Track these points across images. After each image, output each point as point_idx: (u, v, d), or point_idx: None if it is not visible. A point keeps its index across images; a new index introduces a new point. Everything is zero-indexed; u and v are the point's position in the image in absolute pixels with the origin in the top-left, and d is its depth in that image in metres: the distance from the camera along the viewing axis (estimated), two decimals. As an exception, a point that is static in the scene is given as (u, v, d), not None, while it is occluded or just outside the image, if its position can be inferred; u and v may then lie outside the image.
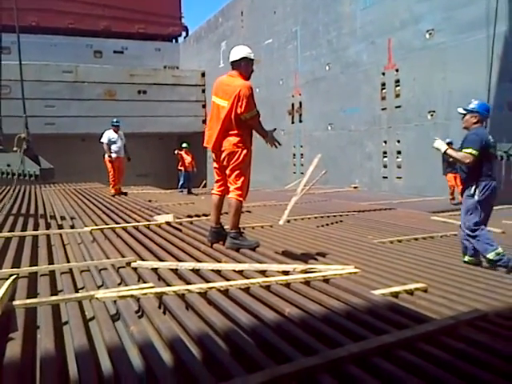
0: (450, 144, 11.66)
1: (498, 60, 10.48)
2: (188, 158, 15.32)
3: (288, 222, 7.16)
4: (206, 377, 1.96)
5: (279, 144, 4.57)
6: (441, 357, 2.19)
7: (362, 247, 5.36)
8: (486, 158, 4.72)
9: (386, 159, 13.93)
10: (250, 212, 8.15)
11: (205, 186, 18.79)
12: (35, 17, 22.42)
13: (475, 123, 4.82)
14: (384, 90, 13.88)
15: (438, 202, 11.28)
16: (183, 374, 2.08)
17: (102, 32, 24.17)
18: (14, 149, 7.27)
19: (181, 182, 15.22)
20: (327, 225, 7.44)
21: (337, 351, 2.16)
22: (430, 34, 12.13)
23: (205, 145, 4.57)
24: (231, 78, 4.41)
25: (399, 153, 13.46)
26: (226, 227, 4.70)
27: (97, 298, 2.85)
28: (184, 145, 15.57)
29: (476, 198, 4.71)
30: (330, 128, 16.19)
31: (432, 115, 12.30)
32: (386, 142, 13.85)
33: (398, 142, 13.45)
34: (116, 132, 10.91)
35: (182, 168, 15.23)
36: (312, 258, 4.63)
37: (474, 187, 4.71)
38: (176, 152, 15.56)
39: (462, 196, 4.99)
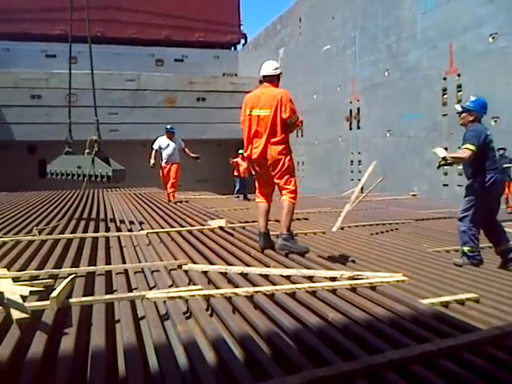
0: (503, 150, 11.33)
1: None
2: (244, 165, 15.50)
3: (341, 229, 7.14)
4: (245, 376, 2.04)
5: None
6: (483, 367, 2.16)
7: (415, 256, 5.28)
8: (488, 152, 4.78)
9: (446, 166, 13.51)
10: (306, 219, 8.19)
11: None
12: (100, 27, 23.48)
13: (471, 121, 4.85)
14: (445, 96, 13.51)
15: (500, 212, 10.82)
16: (224, 373, 2.16)
17: (164, 41, 24.95)
18: (87, 151, 7.21)
19: (237, 188, 15.40)
20: (381, 232, 7.34)
21: (376, 357, 2.18)
22: (494, 37, 11.71)
23: (253, 158, 4.69)
24: (267, 89, 4.60)
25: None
26: (271, 233, 4.80)
27: (147, 298, 2.99)
28: (240, 151, 15.76)
29: (480, 190, 4.75)
30: (388, 134, 15.92)
31: (496, 121, 11.85)
32: (446, 148, 13.43)
33: (460, 148, 13.02)
34: (170, 139, 10.77)
35: (237, 174, 15.38)
36: (361, 265, 4.62)
37: (478, 180, 4.75)
38: (231, 161, 15.74)
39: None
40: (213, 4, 25.53)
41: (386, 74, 15.86)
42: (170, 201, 10.38)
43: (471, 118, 4.83)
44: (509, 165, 11.42)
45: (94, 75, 18.63)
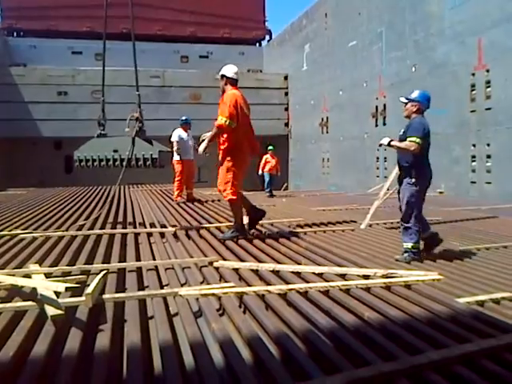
0: None
1: None
2: (273, 161, 15.33)
3: (370, 226, 7.07)
4: (284, 376, 2.02)
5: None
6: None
7: (447, 254, 5.20)
8: (427, 147, 4.78)
9: (474, 163, 13.27)
10: (331, 215, 8.13)
11: (286, 188, 18.89)
12: (126, 24, 23.65)
13: (415, 112, 4.84)
14: (473, 92, 13.23)
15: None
16: (262, 372, 2.15)
17: (189, 37, 24.96)
18: (126, 129, 6.23)
19: (266, 184, 15.20)
20: (410, 230, 7.25)
21: (417, 358, 2.15)
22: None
23: (256, 153, 5.38)
24: (238, 92, 5.36)
25: (489, 157, 12.77)
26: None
27: (180, 295, 2.99)
28: (270, 147, 15.56)
29: (418, 186, 4.70)
30: (415, 131, 15.70)
31: (527, 117, 11.58)
32: (474, 145, 13.20)
33: (488, 145, 12.79)
34: (186, 131, 9.82)
35: (262, 170, 15.20)
36: (394, 263, 4.57)
37: (415, 174, 4.69)
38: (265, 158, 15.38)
39: (399, 184, 4.88)
40: (238, 0, 25.48)
41: (413, 69, 15.61)
42: (193, 201, 9.33)
43: (415, 109, 4.84)
44: None
45: (121, 72, 18.84)
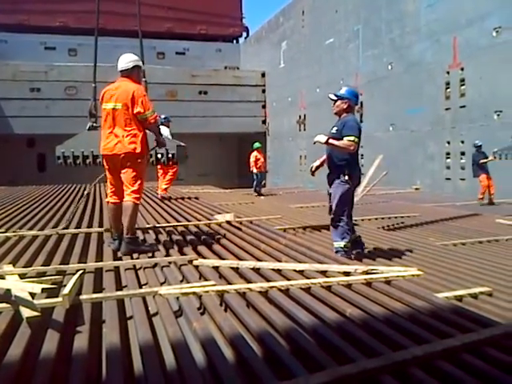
0: (479, 147, 11.63)
1: None
2: (261, 159, 15.10)
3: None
4: (268, 375, 1.99)
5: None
6: (508, 362, 2.12)
7: (425, 249, 5.26)
8: (359, 144, 4.73)
9: (449, 160, 13.49)
10: (309, 212, 8.15)
11: (264, 185, 18.86)
12: (101, 19, 23.23)
13: (346, 109, 4.76)
14: (448, 90, 13.44)
15: (503, 205, 10.85)
16: (245, 371, 2.12)
17: (165, 34, 24.75)
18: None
19: (256, 183, 14.91)
20: (388, 226, 7.33)
21: (400, 354, 2.14)
22: (497, 31, 11.63)
23: (104, 154, 4.48)
24: (122, 83, 4.41)
25: (463, 154, 13.01)
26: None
27: (160, 295, 2.93)
28: (257, 144, 15.20)
29: (350, 185, 4.68)
30: (391, 128, 15.86)
31: (498, 115, 11.80)
32: (449, 142, 13.42)
33: (462, 142, 13.00)
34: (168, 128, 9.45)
35: (256, 169, 14.85)
36: (373, 259, 4.61)
37: (347, 173, 4.64)
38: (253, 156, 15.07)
39: (330, 183, 4.81)
40: (215, -3, 25.38)
41: (390, 67, 15.77)
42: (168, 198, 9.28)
43: (345, 106, 4.75)
44: (485, 160, 11.65)
45: (96, 68, 18.32)
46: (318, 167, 5.01)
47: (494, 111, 11.93)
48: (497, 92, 11.80)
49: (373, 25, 16.51)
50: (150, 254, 4.22)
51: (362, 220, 7.70)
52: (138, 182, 4.41)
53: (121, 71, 4.46)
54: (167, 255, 4.18)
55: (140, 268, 3.82)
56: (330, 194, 4.86)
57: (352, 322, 2.60)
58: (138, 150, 4.35)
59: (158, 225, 5.59)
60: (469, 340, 2.29)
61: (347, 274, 3.48)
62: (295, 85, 20.78)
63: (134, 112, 4.30)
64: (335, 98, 4.82)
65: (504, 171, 11.29)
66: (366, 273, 3.45)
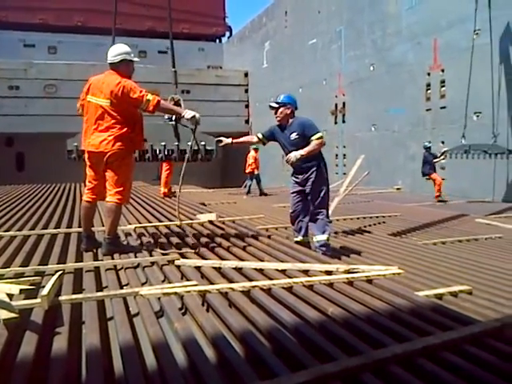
0: (429, 148, 12.13)
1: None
2: (259, 159, 14.70)
3: (331, 222, 7.13)
4: (250, 375, 1.99)
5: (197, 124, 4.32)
6: (487, 359, 2.15)
7: (406, 248, 5.31)
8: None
9: (443, 161, 13.65)
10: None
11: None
12: (81, 17, 23.05)
13: (289, 115, 4.86)
14: (429, 91, 13.61)
15: (482, 204, 11.01)
16: (227, 371, 2.11)
17: (147, 32, 24.58)
18: (166, 117, 5.11)
19: (249, 184, 14.47)
20: (370, 226, 7.37)
21: (381, 352, 2.15)
22: (477, 33, 11.79)
23: (88, 150, 4.26)
24: (109, 77, 4.18)
25: (443, 154, 13.18)
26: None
27: (141, 295, 2.91)
28: (253, 146, 14.18)
29: (325, 178, 4.87)
30: (373, 129, 16.00)
31: (478, 116, 11.98)
32: (430, 143, 13.58)
33: (443, 143, 13.17)
34: None
35: (253, 170, 14.40)
36: (355, 258, 4.63)
37: (322, 169, 4.84)
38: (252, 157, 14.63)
39: (302, 183, 4.90)
40: (198, -5, 25.28)
41: (372, 68, 15.91)
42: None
43: (288, 112, 4.85)
44: (437, 159, 12.29)
45: (77, 66, 18.19)
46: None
47: (474, 112, 12.09)
48: (476, 93, 11.96)
49: (355, 26, 16.63)
50: (132, 255, 4.18)
51: (344, 219, 7.75)
52: (123, 182, 4.22)
53: (109, 63, 4.25)
54: (149, 255, 4.14)
55: (121, 268, 3.78)
56: (293, 193, 4.99)
57: (334, 321, 2.61)
58: (125, 149, 4.15)
59: (139, 225, 5.54)
60: (448, 338, 2.31)
61: (329, 273, 3.49)
62: (278, 85, 20.81)
63: (136, 106, 4.09)
64: (277, 106, 4.87)
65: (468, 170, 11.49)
66: (348, 272, 3.47)
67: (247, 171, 14.55)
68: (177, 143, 5.01)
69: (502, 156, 10.88)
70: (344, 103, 17.28)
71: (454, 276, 4.20)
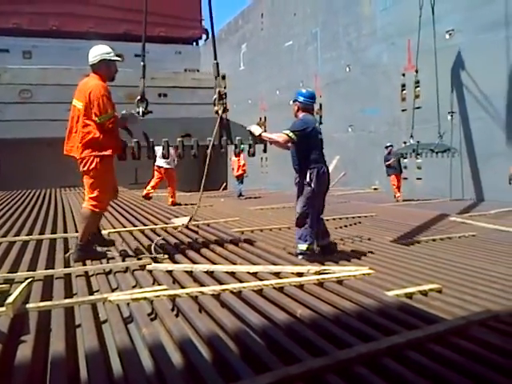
0: (391, 146, 12.39)
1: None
2: (242, 162, 14.21)
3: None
4: (214, 378, 1.99)
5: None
6: (451, 358, 2.18)
7: (379, 249, 5.35)
8: (314, 144, 4.71)
9: (406, 160, 13.81)
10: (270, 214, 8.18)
11: (225, 188, 18.84)
12: (56, 21, 22.72)
13: (298, 111, 4.81)
14: (404, 91, 13.78)
15: (457, 203, 11.18)
16: (192, 375, 2.10)
17: (123, 36, 24.37)
18: (216, 108, 4.74)
19: (241, 187, 13.97)
20: (345, 226, 7.42)
21: (346, 352, 2.17)
22: (450, 34, 11.99)
23: (65, 154, 4.22)
24: (88, 79, 4.16)
25: (419, 154, 13.35)
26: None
27: (110, 301, 2.89)
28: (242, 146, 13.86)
29: (312, 185, 4.63)
30: (350, 129, 16.13)
31: (452, 116, 12.17)
32: (405, 143, 13.75)
33: (418, 142, 13.33)
34: None
35: (238, 173, 14.04)
36: (327, 259, 4.64)
37: (308, 175, 4.63)
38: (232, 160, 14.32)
39: (296, 185, 4.84)
40: (173, -2, 25.15)
41: (347, 69, 16.05)
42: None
43: (296, 108, 4.82)
44: (388, 162, 12.59)
45: (51, 70, 17.84)
46: None
47: (448, 112, 12.29)
48: (449, 93, 12.17)
49: (330, 28, 16.77)
50: (104, 260, 4.14)
51: (321, 220, 7.78)
52: (97, 189, 4.12)
53: (90, 66, 4.18)
54: (121, 261, 4.11)
55: (92, 275, 3.75)
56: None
57: (302, 323, 2.62)
58: (94, 155, 4.05)
59: (113, 230, 5.49)
60: (413, 337, 2.34)
61: (300, 274, 3.51)
62: (256, 87, 20.88)
63: (92, 115, 3.98)
64: (291, 103, 4.89)
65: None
66: (318, 273, 3.49)
67: (238, 173, 14.12)
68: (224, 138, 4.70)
69: (448, 154, 11.31)
70: (321, 104, 17.38)
71: (425, 275, 4.24)
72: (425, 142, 12.69)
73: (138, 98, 4.70)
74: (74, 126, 4.13)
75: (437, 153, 11.43)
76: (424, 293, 3.63)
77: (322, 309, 2.81)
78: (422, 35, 12.83)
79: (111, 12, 23.14)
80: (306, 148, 4.69)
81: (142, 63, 5.05)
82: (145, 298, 2.94)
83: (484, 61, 11.09)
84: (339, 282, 3.36)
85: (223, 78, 23.95)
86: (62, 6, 22.46)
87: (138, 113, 4.64)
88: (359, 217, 8.38)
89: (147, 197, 10.24)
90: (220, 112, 4.65)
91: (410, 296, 3.55)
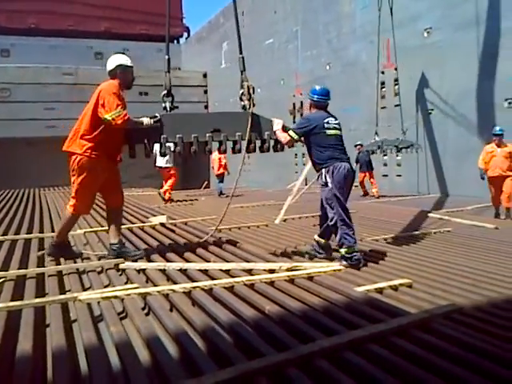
0: (361, 146, 12.28)
1: (488, 58, 10.56)
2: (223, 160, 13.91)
3: (284, 221, 7.22)
4: (177, 374, 2.02)
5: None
6: (412, 351, 2.23)
7: (354, 245, 5.40)
8: (324, 141, 4.48)
9: (385, 157, 13.94)
10: (248, 212, 8.21)
11: (206, 186, 18.83)
12: (35, 19, 22.49)
13: (310, 108, 4.74)
14: (383, 89, 13.88)
15: (435, 200, 11.32)
16: (157, 372, 2.13)
17: (103, 33, 24.20)
18: (243, 103, 4.69)
19: (222, 185, 13.83)
20: (324, 223, 7.46)
21: (308, 346, 2.21)
22: (428, 32, 12.13)
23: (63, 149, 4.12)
24: (103, 83, 4.14)
25: (399, 151, 13.47)
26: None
27: (80, 300, 2.89)
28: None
29: (330, 185, 4.40)
30: (330, 127, 16.19)
31: (430, 113, 12.31)
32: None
33: (398, 139, 13.45)
34: None
35: (219, 171, 13.80)
36: (302, 256, 4.68)
37: (323, 174, 4.44)
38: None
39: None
40: (154, -4, 25.04)
41: (328, 67, 16.11)
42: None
43: (309, 105, 4.77)
44: (367, 158, 12.76)
45: (29, 68, 17.68)
46: None
47: (426, 110, 12.43)
48: (428, 91, 12.31)
49: (311, 26, 16.82)
50: (79, 260, 4.14)
51: (300, 218, 7.83)
52: (78, 192, 4.05)
53: (108, 73, 4.20)
54: (96, 260, 4.11)
55: (65, 274, 3.74)
56: None
57: (269, 319, 2.66)
58: (84, 153, 3.96)
59: (90, 229, 5.48)
60: (376, 330, 2.39)
61: (272, 271, 3.55)
62: (237, 85, 20.84)
63: (100, 114, 3.90)
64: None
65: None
66: (290, 270, 3.53)
67: (219, 172, 13.91)
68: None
69: (411, 149, 11.52)
70: (302, 102, 17.43)
71: (397, 270, 4.30)
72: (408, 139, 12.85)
73: (164, 92, 4.59)
74: (80, 123, 4.07)
75: (401, 149, 11.65)
76: (394, 288, 3.68)
77: (291, 305, 2.85)
78: (401, 33, 12.97)
79: (91, 10, 22.99)
80: (316, 146, 4.53)
81: (166, 57, 4.85)
82: (115, 297, 2.95)
83: (459, 59, 11.25)
84: (310, 278, 3.40)
85: (204, 76, 24.02)
86: (42, 3, 22.26)
87: (165, 108, 4.56)
88: (338, 214, 8.44)
89: (168, 199, 10.47)
90: (248, 107, 4.64)
91: (380, 291, 3.61)
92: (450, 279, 4.03)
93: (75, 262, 4.06)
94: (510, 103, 10.26)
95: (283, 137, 4.53)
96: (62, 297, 3.02)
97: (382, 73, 13.82)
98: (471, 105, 11.09)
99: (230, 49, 21.90)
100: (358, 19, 14.66)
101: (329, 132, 4.52)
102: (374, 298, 3.10)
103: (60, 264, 4.05)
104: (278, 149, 4.77)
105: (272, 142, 4.71)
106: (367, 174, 12.84)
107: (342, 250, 4.36)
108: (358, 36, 14.68)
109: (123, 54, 4.36)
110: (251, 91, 4.72)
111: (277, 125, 4.58)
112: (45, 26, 22.11)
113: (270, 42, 19.07)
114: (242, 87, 4.80)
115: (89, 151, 3.97)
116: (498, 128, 8.11)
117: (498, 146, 7.94)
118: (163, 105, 4.54)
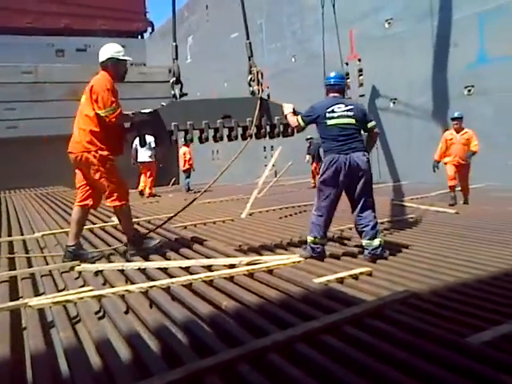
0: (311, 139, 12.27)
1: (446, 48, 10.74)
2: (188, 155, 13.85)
3: (250, 215, 7.19)
4: (125, 377, 1.97)
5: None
6: (363, 339, 2.24)
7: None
8: (325, 131, 4.37)
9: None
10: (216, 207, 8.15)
11: (174, 183, 18.63)
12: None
13: (327, 94, 4.61)
14: (348, 80, 13.95)
15: (400, 187, 11.42)
16: (105, 376, 2.08)
17: (64, 30, 23.66)
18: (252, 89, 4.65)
19: (189, 181, 13.71)
20: (290, 215, 7.47)
21: (261, 341, 2.19)
22: (389, 23, 12.23)
23: (68, 151, 4.13)
24: (96, 76, 4.10)
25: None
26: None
27: (30, 306, 2.80)
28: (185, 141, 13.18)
29: (321, 177, 4.37)
30: (297, 119, 16.23)
31: (394, 102, 12.44)
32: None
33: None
34: None
35: (190, 166, 13.75)
36: (264, 249, 4.65)
37: (321, 166, 4.45)
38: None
39: None
40: (115, -9, 24.64)
41: (293, 60, 16.12)
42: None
43: (325, 91, 4.65)
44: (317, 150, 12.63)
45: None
46: None
47: (390, 99, 12.55)
48: (391, 81, 12.42)
49: (275, 18, 16.78)
50: (34, 263, 4.04)
51: (267, 211, 7.80)
52: (111, 183, 4.06)
53: (100, 64, 4.11)
54: (53, 263, 4.01)
55: (18, 279, 3.63)
56: None
57: (225, 315, 2.64)
58: (99, 148, 3.95)
59: (47, 232, 5.35)
60: (330, 320, 2.39)
61: (232, 266, 3.52)
62: (204, 79, 20.68)
63: (95, 109, 3.89)
64: None
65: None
66: (250, 264, 3.51)
67: (185, 168, 13.80)
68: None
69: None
70: (268, 95, 17.37)
71: (358, 259, 4.32)
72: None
73: (173, 79, 4.54)
74: (82, 121, 4.04)
75: None
76: (355, 277, 3.69)
77: (248, 299, 2.83)
78: (363, 24, 13.04)
79: (50, 6, 22.42)
80: (320, 135, 4.48)
81: (173, 43, 4.82)
82: (67, 301, 2.87)
83: (420, 49, 11.39)
84: (269, 271, 3.39)
85: (170, 71, 23.74)
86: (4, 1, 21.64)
87: (174, 95, 4.52)
88: (305, 205, 8.45)
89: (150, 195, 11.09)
90: (257, 92, 4.63)
91: (341, 281, 3.61)
92: (409, 265, 4.06)
93: (31, 267, 3.95)
94: (469, 91, 10.44)
95: (292, 121, 4.52)
96: (11, 304, 2.91)
97: (346, 64, 13.90)
98: (433, 93, 11.25)
99: (196, 43, 21.72)
100: (321, 11, 14.67)
101: (329, 122, 4.34)
102: (332, 288, 3.10)
103: (16, 269, 3.93)
104: (288, 133, 4.74)
105: (282, 128, 4.69)
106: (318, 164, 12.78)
107: (309, 238, 4.39)
108: (321, 28, 14.70)
109: (123, 46, 4.35)
110: (259, 76, 4.77)
111: (287, 109, 4.60)
112: (2, 23, 21.48)
113: (235, 35, 18.95)
114: (250, 73, 4.85)
115: (103, 146, 3.97)
116: (456, 113, 8.18)
117: (458, 131, 8.01)
118: (172, 92, 4.49)
